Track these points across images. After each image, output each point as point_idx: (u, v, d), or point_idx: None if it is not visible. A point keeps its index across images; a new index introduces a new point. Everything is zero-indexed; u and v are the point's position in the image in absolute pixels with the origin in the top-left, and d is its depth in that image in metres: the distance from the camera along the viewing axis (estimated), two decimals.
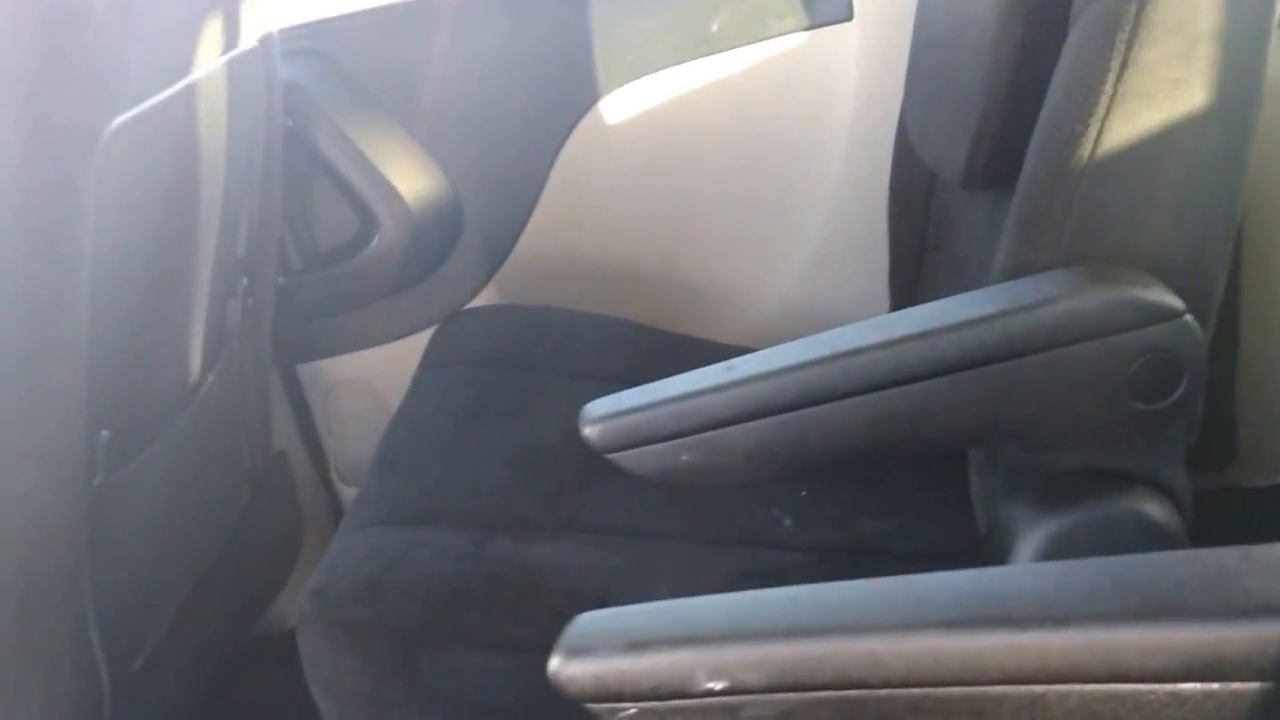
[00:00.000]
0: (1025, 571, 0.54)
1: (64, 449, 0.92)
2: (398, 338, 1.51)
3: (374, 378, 1.53)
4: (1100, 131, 0.75)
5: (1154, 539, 0.78)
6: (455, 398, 1.22)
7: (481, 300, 1.49)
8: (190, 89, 1.03)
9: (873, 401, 0.80)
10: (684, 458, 0.80)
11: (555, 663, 0.57)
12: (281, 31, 1.27)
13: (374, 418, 1.53)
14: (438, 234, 1.47)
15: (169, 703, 1.15)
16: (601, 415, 0.83)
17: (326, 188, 1.44)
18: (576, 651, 0.57)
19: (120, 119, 0.90)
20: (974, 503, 1.02)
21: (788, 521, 1.05)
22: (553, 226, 1.47)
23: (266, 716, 1.35)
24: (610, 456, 0.82)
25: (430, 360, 1.30)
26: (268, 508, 1.37)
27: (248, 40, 1.16)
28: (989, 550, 0.86)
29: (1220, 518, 0.86)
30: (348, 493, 1.57)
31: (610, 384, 1.24)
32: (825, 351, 0.80)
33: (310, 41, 1.41)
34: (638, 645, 0.57)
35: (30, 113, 0.82)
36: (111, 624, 1.01)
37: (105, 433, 0.97)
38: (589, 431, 0.82)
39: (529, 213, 1.47)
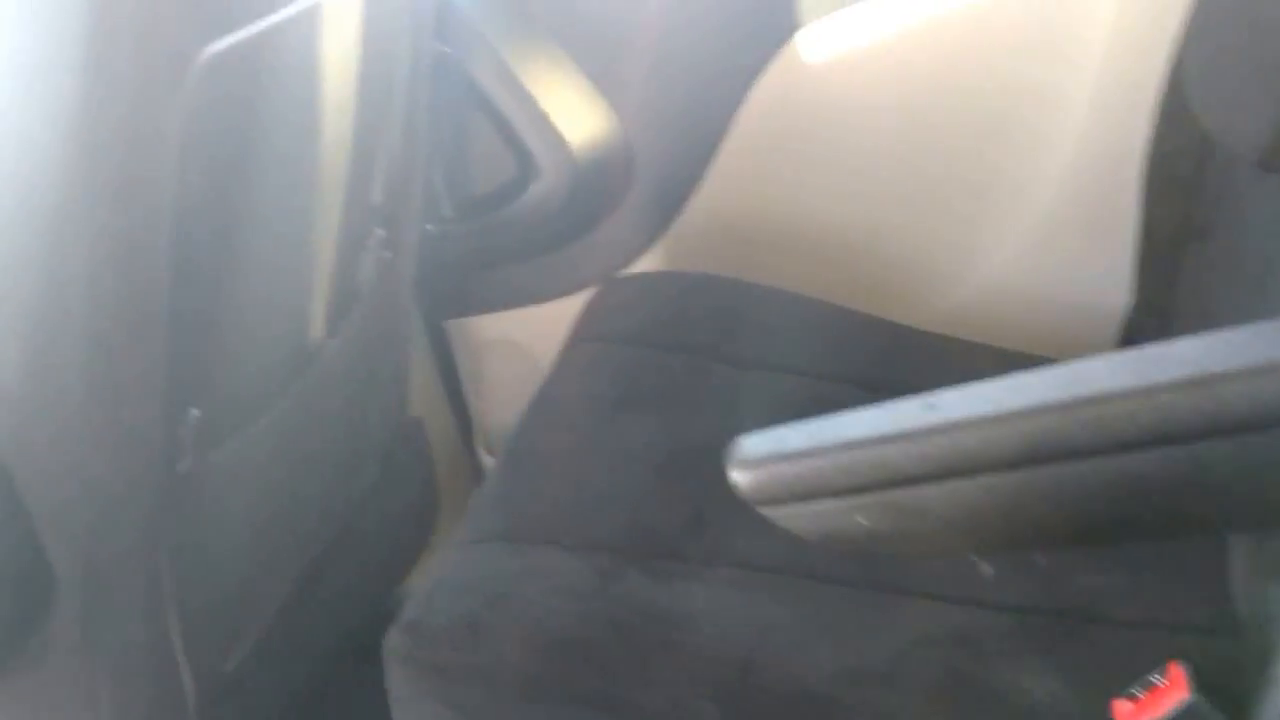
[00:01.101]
0: None
1: (140, 432, 0.79)
2: (555, 297, 1.35)
3: (527, 339, 1.37)
4: None
5: None
6: (602, 381, 1.05)
7: (647, 263, 1.31)
8: (313, 10, 0.88)
9: (1120, 464, 0.59)
10: (860, 519, 0.61)
11: None
12: None
13: (525, 383, 1.38)
14: (604, 184, 1.29)
15: (269, 704, 1.03)
16: (756, 458, 0.63)
17: (483, 125, 1.28)
18: None
19: (217, 45, 0.75)
20: (1232, 574, 0.79)
21: (987, 570, 0.85)
22: (732, 182, 1.27)
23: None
24: (764, 510, 0.64)
25: (580, 333, 1.13)
26: (398, 483, 1.23)
27: None
28: (1250, 641, 0.65)
29: None
30: (493, 465, 1.44)
31: (783, 374, 1.06)
32: (1061, 394, 0.59)
33: None
34: None
35: (98, 36, 0.68)
36: (200, 623, 0.89)
37: (195, 411, 0.84)
38: (738, 477, 0.63)
39: (706, 165, 1.28)
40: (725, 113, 1.26)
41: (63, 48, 0.67)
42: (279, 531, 1.02)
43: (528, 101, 1.25)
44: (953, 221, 1.29)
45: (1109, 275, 1.17)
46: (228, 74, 0.77)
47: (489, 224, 1.30)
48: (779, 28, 1.22)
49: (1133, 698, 0.70)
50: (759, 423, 0.64)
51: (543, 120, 1.25)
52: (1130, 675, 0.72)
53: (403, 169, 1.12)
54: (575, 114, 1.27)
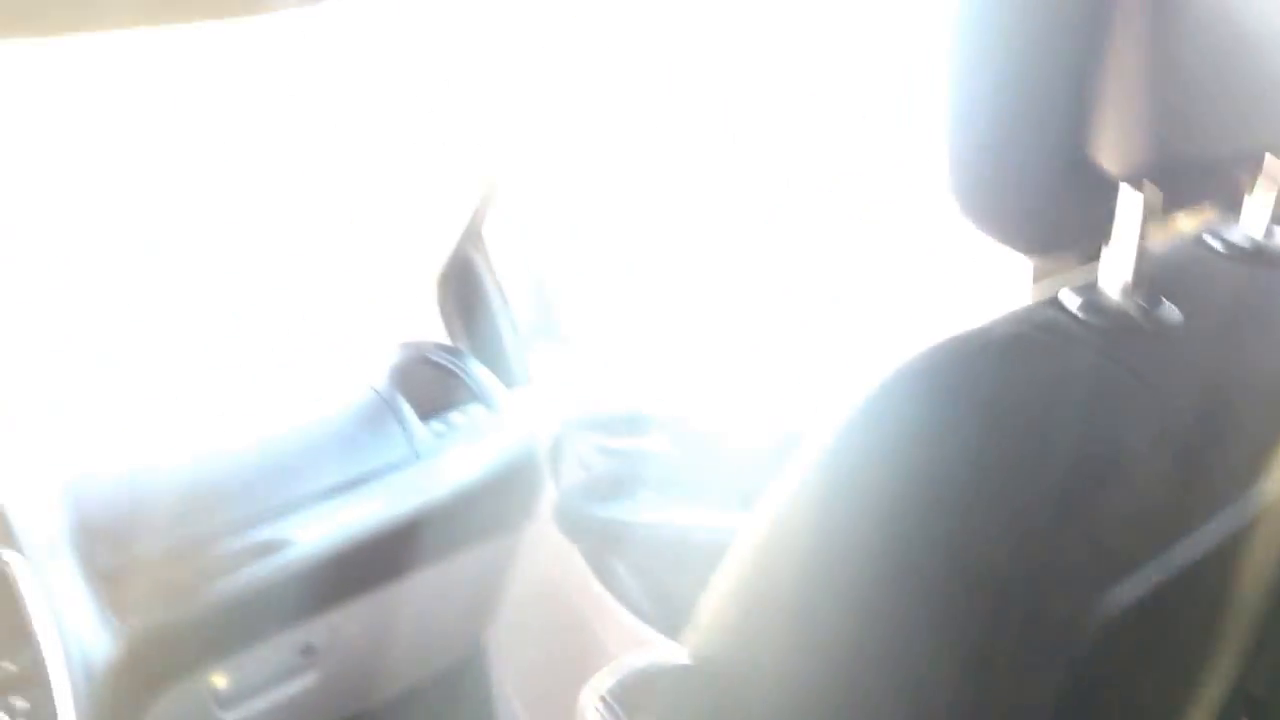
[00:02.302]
0: None
1: None
2: None
3: None
4: None
5: None
6: None
7: None
8: (1248, 526, 0.66)
9: None
10: None
11: None
12: None
13: None
14: None
15: None
16: None
17: None
18: None
19: (1124, 595, 0.57)
20: None
21: None
22: None
23: None
24: None
25: None
26: None
27: None
28: None
29: None
30: None
31: None
32: None
33: None
34: None
35: (983, 588, 0.53)
36: None
37: None
38: None
39: None
40: None
41: (941, 626, 0.53)
42: None
43: None
44: None
45: None
46: (1127, 628, 0.58)
47: None
48: None
49: None
50: None
51: None
52: None
53: None
54: None
